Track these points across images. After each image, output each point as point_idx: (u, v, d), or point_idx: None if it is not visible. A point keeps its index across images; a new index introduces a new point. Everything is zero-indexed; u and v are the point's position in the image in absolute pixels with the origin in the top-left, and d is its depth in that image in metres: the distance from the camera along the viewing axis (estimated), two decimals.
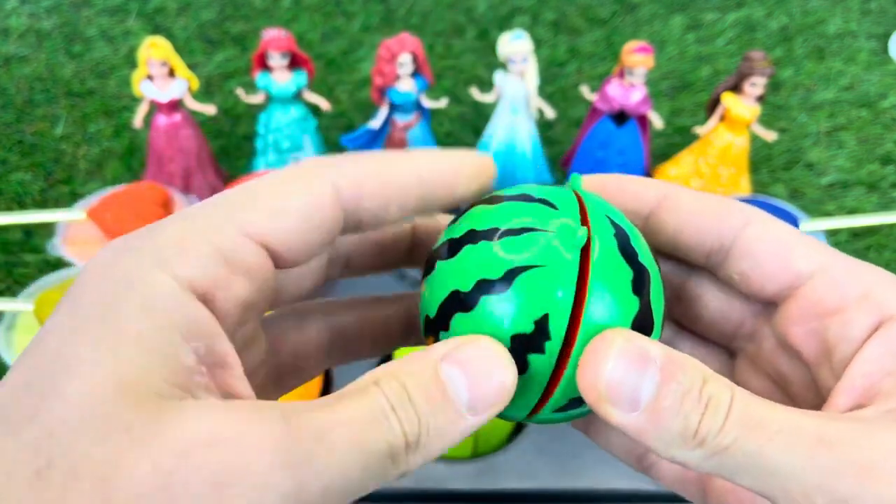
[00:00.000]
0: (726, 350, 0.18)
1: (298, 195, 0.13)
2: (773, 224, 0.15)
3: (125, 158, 0.60)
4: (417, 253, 0.18)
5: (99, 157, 0.60)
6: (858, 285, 0.14)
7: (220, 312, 0.12)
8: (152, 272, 0.12)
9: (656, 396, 0.13)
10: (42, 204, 0.55)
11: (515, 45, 0.50)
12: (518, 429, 0.38)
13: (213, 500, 0.10)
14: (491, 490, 0.35)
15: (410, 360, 0.13)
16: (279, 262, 0.14)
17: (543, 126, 0.64)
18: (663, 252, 0.17)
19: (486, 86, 0.57)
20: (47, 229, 0.53)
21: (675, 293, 0.18)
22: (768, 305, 0.16)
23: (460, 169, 0.16)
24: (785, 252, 0.15)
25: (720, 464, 0.13)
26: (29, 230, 0.53)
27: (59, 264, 0.50)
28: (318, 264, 0.17)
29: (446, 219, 0.19)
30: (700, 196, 0.16)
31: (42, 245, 0.51)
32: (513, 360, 0.13)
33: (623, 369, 0.13)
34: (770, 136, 0.55)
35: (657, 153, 0.62)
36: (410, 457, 0.12)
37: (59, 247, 0.48)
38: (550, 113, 0.54)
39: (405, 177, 0.15)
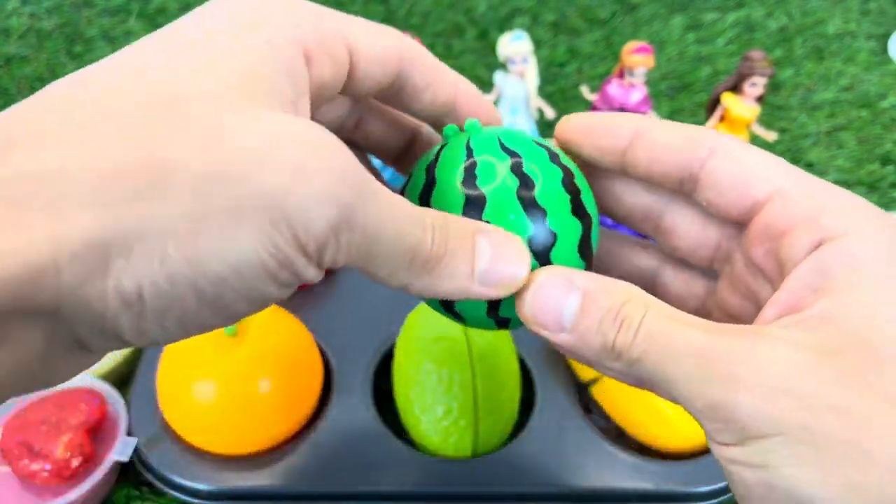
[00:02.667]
0: (709, 272, 0.20)
1: (386, 37, 0.18)
2: (737, 152, 0.17)
3: None
4: (413, 152, 0.21)
5: None
6: (808, 208, 0.16)
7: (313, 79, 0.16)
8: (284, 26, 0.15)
9: (579, 318, 0.16)
10: None
11: (515, 45, 0.50)
12: (517, 430, 0.38)
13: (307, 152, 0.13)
14: (490, 491, 0.35)
15: (456, 217, 0.16)
16: (352, 69, 0.17)
17: (544, 126, 0.64)
18: (642, 182, 0.19)
19: (487, 86, 0.58)
20: None
21: (657, 223, 0.20)
22: (739, 227, 0.18)
23: (480, 113, 0.19)
24: (745, 179, 0.17)
25: (637, 373, 0.15)
26: None
27: None
28: (338, 110, 0.20)
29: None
30: (670, 128, 0.18)
31: None
32: (530, 262, 0.16)
33: (545, 297, 0.16)
34: (770, 136, 0.55)
35: None
36: (422, 271, 0.15)
37: None
38: (550, 113, 0.54)
39: (449, 78, 0.19)
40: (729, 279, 0.19)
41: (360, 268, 0.15)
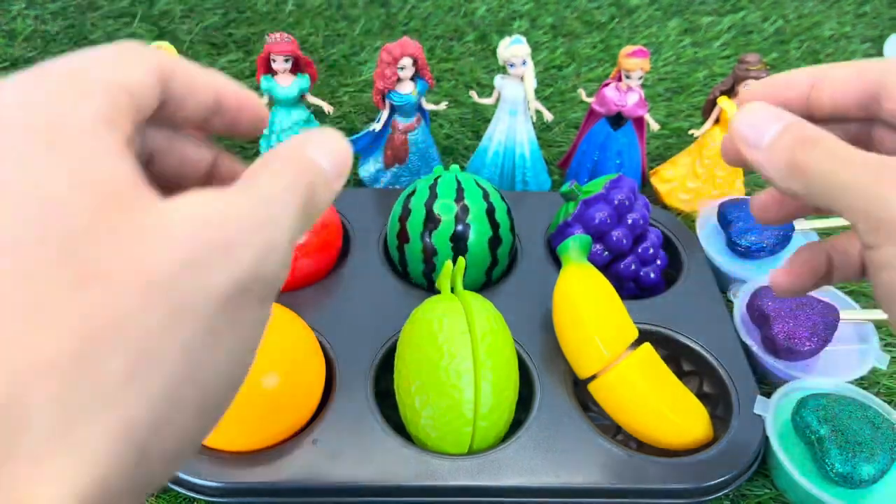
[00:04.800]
0: None
1: (142, 58, 0.16)
2: None
3: None
4: (210, 184, 0.20)
5: None
6: None
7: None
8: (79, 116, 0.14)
9: (776, 139, 0.20)
10: None
11: (514, 48, 0.51)
12: (516, 426, 0.39)
13: (224, 257, 0.13)
14: (489, 486, 0.36)
15: (282, 147, 0.17)
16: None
17: (542, 128, 0.65)
18: (833, 121, 0.22)
19: (486, 89, 0.58)
20: None
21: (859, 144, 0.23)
22: None
23: (248, 98, 0.19)
24: None
25: (812, 192, 0.19)
26: None
27: None
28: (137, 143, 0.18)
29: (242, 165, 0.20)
30: (842, 66, 0.21)
31: None
32: (344, 139, 0.18)
33: (755, 117, 0.20)
34: None
35: (653, 155, 0.63)
36: (311, 203, 0.16)
37: None
38: (548, 116, 0.55)
39: (203, 80, 0.17)
40: None
41: None
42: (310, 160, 0.16)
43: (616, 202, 0.44)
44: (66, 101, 0.13)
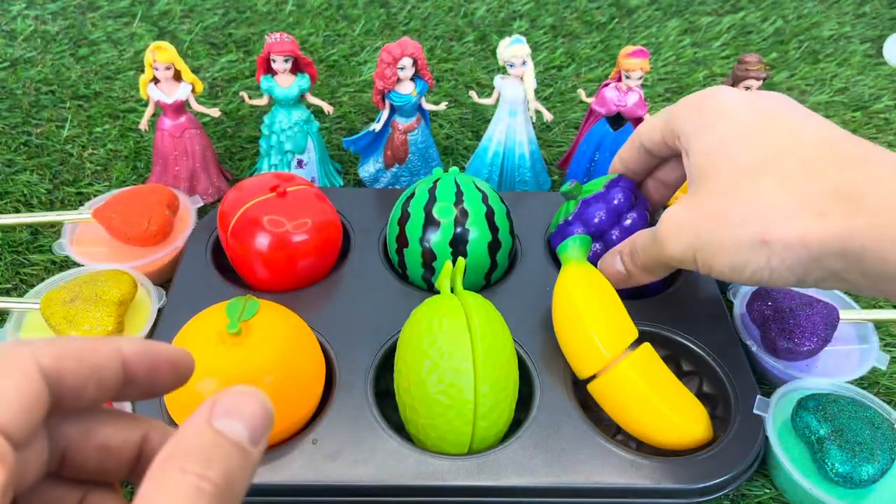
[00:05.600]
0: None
1: (10, 381, 0.14)
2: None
3: (131, 160, 0.60)
4: (141, 467, 0.18)
5: (105, 158, 0.61)
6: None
7: None
8: None
9: (622, 264, 0.40)
10: (48, 205, 0.56)
11: (514, 49, 0.51)
12: (515, 426, 0.39)
13: None
14: (488, 486, 0.36)
15: (191, 432, 0.15)
16: (12, 443, 0.14)
17: (542, 128, 0.65)
18: (665, 159, 0.42)
19: (486, 89, 0.58)
20: (54, 230, 0.54)
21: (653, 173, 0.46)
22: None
23: (159, 354, 0.17)
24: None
25: (650, 265, 0.39)
26: (36, 230, 0.54)
27: (65, 264, 0.51)
28: (38, 455, 0.16)
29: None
30: (650, 120, 0.40)
31: (48, 245, 0.52)
32: (264, 393, 0.16)
33: (608, 264, 0.41)
34: None
35: None
36: (226, 499, 0.14)
37: (65, 247, 0.49)
38: (548, 116, 0.55)
39: (106, 354, 0.16)
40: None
41: None
42: (218, 438, 0.15)
43: (615, 202, 0.44)
44: None
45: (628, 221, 0.44)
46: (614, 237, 0.44)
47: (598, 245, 0.45)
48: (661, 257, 0.36)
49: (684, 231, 0.34)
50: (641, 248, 0.37)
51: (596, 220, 0.44)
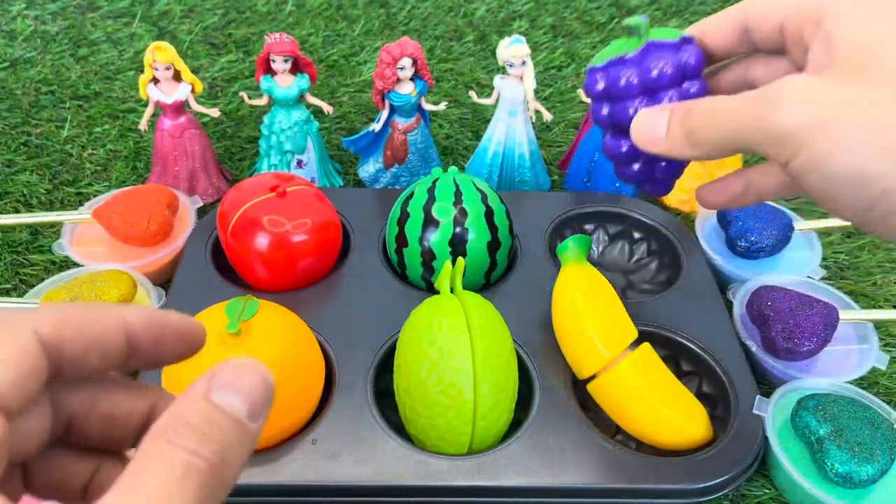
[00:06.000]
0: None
1: (5, 349, 0.14)
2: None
3: (130, 160, 0.60)
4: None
5: (104, 158, 0.61)
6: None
7: None
8: None
9: (668, 126, 0.27)
10: (48, 205, 0.56)
11: (514, 49, 0.51)
12: (515, 426, 0.39)
13: None
14: (488, 486, 0.36)
15: (187, 405, 0.14)
16: (6, 412, 0.14)
17: (541, 128, 0.65)
18: (730, 60, 0.32)
19: (485, 89, 0.58)
20: (53, 230, 0.54)
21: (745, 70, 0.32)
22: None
23: (167, 325, 0.16)
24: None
25: (708, 145, 0.26)
26: (35, 231, 0.53)
27: (65, 265, 0.51)
28: (40, 423, 0.16)
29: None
30: (718, 15, 0.30)
31: (48, 245, 0.52)
32: (265, 366, 0.15)
33: (647, 120, 0.29)
34: None
35: None
36: (222, 477, 0.14)
37: (64, 247, 0.49)
38: (548, 116, 0.55)
39: (109, 323, 0.15)
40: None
41: None
42: (214, 413, 0.14)
43: (685, 60, 0.32)
44: None
45: (693, 88, 0.32)
46: (671, 99, 0.32)
47: (643, 102, 0.32)
48: (749, 124, 0.24)
49: (813, 100, 0.23)
50: (707, 110, 0.26)
51: (655, 73, 0.32)
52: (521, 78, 0.53)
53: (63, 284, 0.44)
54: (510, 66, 0.52)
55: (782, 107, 0.23)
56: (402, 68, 0.51)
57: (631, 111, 0.31)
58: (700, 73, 0.31)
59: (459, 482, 0.36)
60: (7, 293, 0.49)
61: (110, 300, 0.42)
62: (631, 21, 0.33)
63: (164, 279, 0.50)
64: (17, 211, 0.55)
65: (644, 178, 0.34)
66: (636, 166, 0.33)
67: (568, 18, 0.82)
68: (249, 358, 0.15)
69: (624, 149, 0.32)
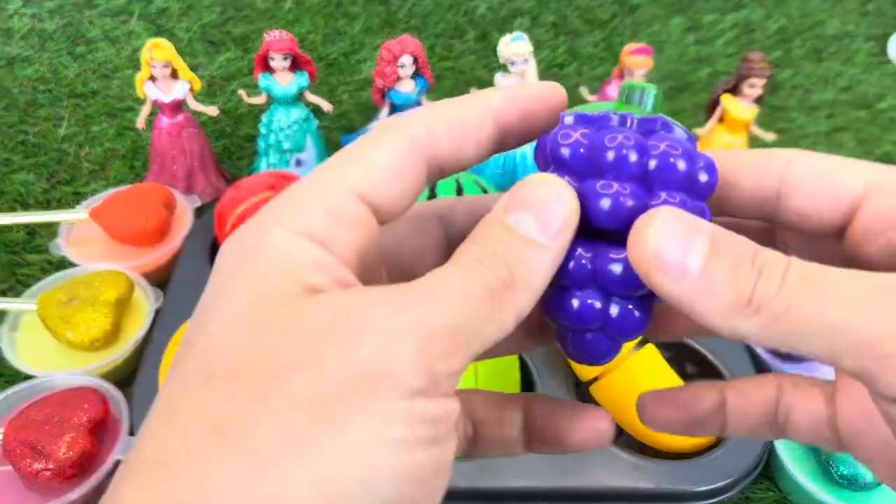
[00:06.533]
0: None
1: (381, 152, 0.15)
2: (814, 157, 0.16)
3: (128, 159, 0.60)
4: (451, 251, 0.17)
5: (102, 157, 0.60)
6: None
7: (338, 256, 0.14)
8: (273, 230, 0.13)
9: (706, 262, 0.13)
10: (45, 204, 0.56)
11: (515, 46, 0.51)
12: None
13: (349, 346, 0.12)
14: (492, 488, 0.35)
15: (482, 226, 0.14)
16: (379, 213, 0.15)
17: None
18: (730, 214, 0.16)
19: (486, 87, 0.58)
20: (50, 229, 0.53)
21: None
22: (836, 236, 0.16)
23: (530, 93, 0.17)
24: (834, 177, 0.15)
25: (781, 331, 0.13)
26: (32, 230, 0.53)
27: (62, 264, 0.50)
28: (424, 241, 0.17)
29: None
30: (739, 152, 0.17)
31: (45, 245, 0.51)
32: (562, 182, 0.15)
33: (670, 234, 0.13)
34: (769, 136, 0.56)
35: None
36: (512, 294, 0.13)
37: (62, 247, 0.48)
38: None
39: (476, 111, 0.16)
40: None
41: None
42: (505, 233, 0.14)
43: (698, 162, 0.19)
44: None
45: (698, 209, 0.17)
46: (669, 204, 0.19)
47: (633, 192, 0.16)
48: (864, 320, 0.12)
49: None
50: (818, 279, 0.13)
51: (671, 159, 0.16)
52: (522, 76, 0.52)
53: (60, 285, 0.44)
54: (512, 64, 0.52)
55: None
56: (402, 66, 0.51)
57: (622, 199, 0.15)
58: (709, 196, 0.17)
59: (462, 485, 0.35)
60: (4, 293, 0.49)
61: (107, 300, 0.42)
62: (634, 83, 0.20)
63: (161, 279, 0.50)
64: (13, 210, 0.55)
65: (590, 324, 0.16)
66: (591, 300, 0.15)
67: (570, 16, 0.82)
68: (548, 175, 0.15)
69: (585, 264, 0.15)
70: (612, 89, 0.54)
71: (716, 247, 0.13)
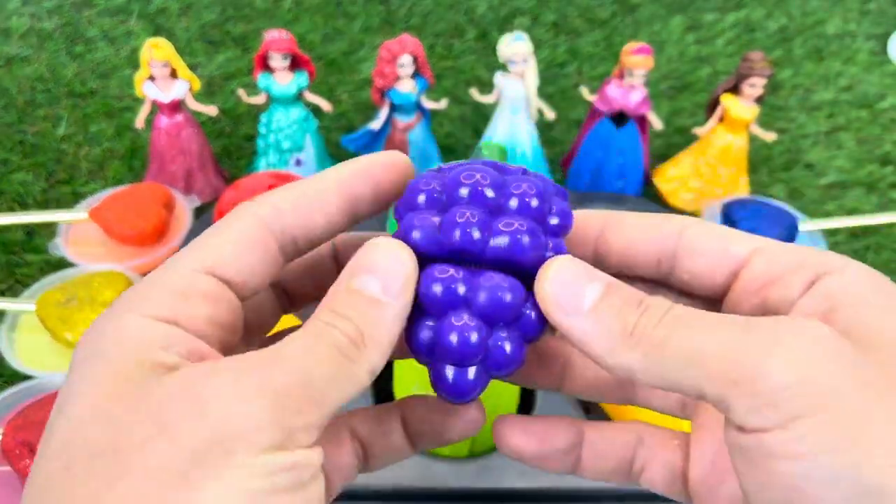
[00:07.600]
0: None
1: (228, 231, 0.16)
2: (708, 224, 0.17)
3: (127, 159, 0.60)
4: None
5: (100, 157, 0.60)
6: (792, 257, 0.16)
7: (190, 329, 0.14)
8: (123, 316, 0.14)
9: (599, 300, 0.15)
10: (44, 204, 0.56)
11: (515, 46, 0.51)
12: None
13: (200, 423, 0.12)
14: (490, 488, 0.35)
15: (331, 292, 0.15)
16: (233, 286, 0.15)
17: (543, 127, 0.64)
18: (617, 272, 0.17)
19: (486, 87, 0.58)
20: (49, 230, 0.53)
21: None
22: (718, 301, 0.17)
23: (376, 162, 0.17)
24: (723, 242, 0.17)
25: (658, 361, 0.14)
26: (31, 230, 0.53)
27: (60, 265, 0.50)
28: (269, 298, 0.19)
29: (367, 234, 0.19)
30: (640, 215, 0.18)
31: (44, 245, 0.51)
32: (401, 244, 0.16)
33: (570, 276, 0.15)
34: (769, 136, 0.56)
35: (657, 154, 0.63)
36: (362, 350, 0.14)
37: (60, 247, 0.48)
38: (550, 114, 0.54)
39: (321, 185, 0.17)
40: None
41: None
42: (352, 296, 0.15)
43: (552, 195, 0.22)
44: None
45: (552, 243, 0.18)
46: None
47: (484, 221, 0.17)
48: (739, 359, 0.14)
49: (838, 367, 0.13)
50: (686, 319, 0.15)
51: (521, 189, 0.17)
52: (522, 76, 0.52)
53: (59, 285, 0.43)
54: (512, 63, 0.52)
55: (793, 366, 0.13)
56: (402, 66, 0.51)
57: (470, 228, 0.16)
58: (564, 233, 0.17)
59: (461, 485, 0.35)
60: (2, 293, 0.49)
61: (106, 301, 0.42)
62: (486, 143, 0.24)
63: None
64: (12, 210, 0.55)
65: (473, 356, 0.16)
66: (471, 333, 0.16)
67: (570, 15, 0.82)
68: (384, 238, 0.16)
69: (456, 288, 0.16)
70: (613, 89, 0.54)
71: (608, 290, 0.15)
